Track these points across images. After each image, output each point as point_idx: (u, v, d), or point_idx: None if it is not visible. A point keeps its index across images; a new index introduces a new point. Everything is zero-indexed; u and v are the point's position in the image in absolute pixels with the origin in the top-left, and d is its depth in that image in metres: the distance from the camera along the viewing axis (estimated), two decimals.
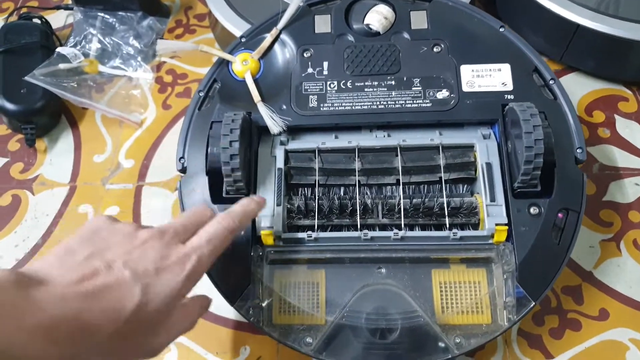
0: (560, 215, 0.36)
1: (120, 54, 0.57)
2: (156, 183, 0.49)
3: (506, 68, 0.39)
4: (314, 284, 0.36)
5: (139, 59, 0.57)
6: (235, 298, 0.35)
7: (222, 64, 0.42)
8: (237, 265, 0.35)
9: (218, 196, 0.37)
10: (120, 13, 0.59)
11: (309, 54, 0.41)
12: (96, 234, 0.28)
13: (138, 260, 0.27)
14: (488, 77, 0.39)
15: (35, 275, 0.24)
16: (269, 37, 0.41)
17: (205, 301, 0.32)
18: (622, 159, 0.47)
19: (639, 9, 0.49)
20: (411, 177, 0.38)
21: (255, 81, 0.40)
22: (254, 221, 0.36)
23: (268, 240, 0.36)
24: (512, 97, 0.38)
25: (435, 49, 0.40)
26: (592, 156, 0.48)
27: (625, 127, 0.49)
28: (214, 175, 0.37)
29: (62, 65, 0.53)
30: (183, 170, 0.39)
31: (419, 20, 0.42)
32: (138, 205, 0.48)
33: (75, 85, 0.53)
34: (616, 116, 0.50)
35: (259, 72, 0.41)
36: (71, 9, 0.61)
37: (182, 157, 0.39)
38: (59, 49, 0.54)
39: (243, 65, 0.40)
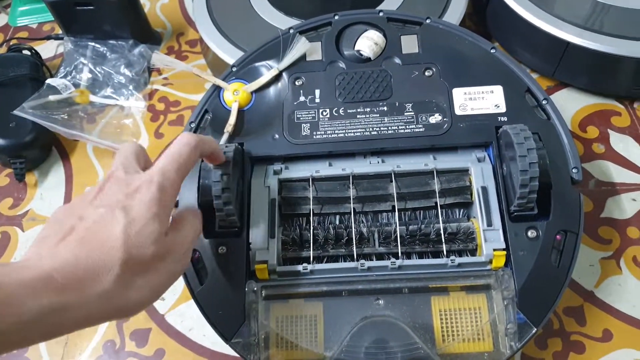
0: (558, 237, 0.35)
1: (112, 83, 0.57)
2: None
3: (498, 90, 0.39)
4: (311, 317, 0.35)
5: (131, 87, 0.57)
6: (231, 335, 0.34)
7: (214, 94, 0.42)
8: (232, 302, 0.35)
9: (211, 230, 0.36)
10: (111, 42, 0.59)
11: (300, 82, 0.41)
12: (55, 216, 0.27)
13: (106, 198, 0.26)
14: (481, 100, 0.39)
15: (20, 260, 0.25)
16: (267, 75, 0.41)
17: (193, 212, 0.31)
18: (618, 174, 0.47)
19: (627, 25, 0.49)
20: (407, 203, 0.37)
21: (245, 112, 0.40)
22: (247, 255, 0.36)
23: (263, 274, 0.35)
24: (505, 119, 0.38)
25: (427, 73, 0.40)
26: (588, 172, 0.47)
27: (619, 142, 0.49)
28: (207, 209, 0.36)
29: (52, 97, 0.53)
30: (175, 204, 0.38)
31: (409, 44, 0.42)
32: None
33: (66, 117, 0.53)
34: (610, 131, 0.50)
35: (250, 102, 0.41)
36: (61, 38, 0.61)
37: None
38: (48, 81, 0.53)
39: (234, 95, 0.40)
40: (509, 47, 0.56)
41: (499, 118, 0.38)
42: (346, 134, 0.39)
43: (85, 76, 0.57)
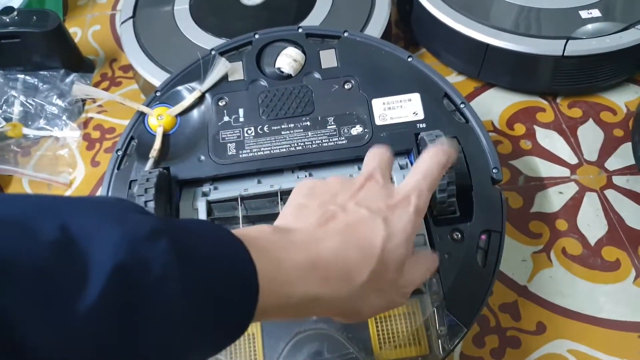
0: (483, 237, 0.36)
1: (45, 114, 0.56)
2: None
3: (416, 97, 0.40)
4: (249, 336, 0.35)
5: (64, 117, 0.56)
6: None
7: (139, 120, 0.42)
8: None
9: None
10: (42, 72, 0.59)
11: (223, 103, 0.41)
12: (313, 189, 0.27)
13: (367, 200, 0.26)
14: (399, 109, 0.40)
15: (282, 226, 0.25)
16: (190, 97, 0.41)
17: (433, 257, 0.30)
18: (545, 168, 0.49)
19: (541, 25, 0.51)
20: None
21: (171, 136, 0.40)
22: None
23: None
24: (424, 125, 0.39)
25: (346, 86, 0.41)
26: (516, 169, 0.49)
27: (545, 137, 0.51)
28: None
29: None
30: None
31: (328, 59, 0.42)
32: None
33: None
34: (536, 127, 0.52)
35: (175, 126, 0.41)
36: None
37: None
38: None
39: (158, 120, 0.40)
40: (435, 52, 0.58)
41: (418, 125, 0.39)
42: (272, 151, 0.39)
43: (16, 109, 0.56)
